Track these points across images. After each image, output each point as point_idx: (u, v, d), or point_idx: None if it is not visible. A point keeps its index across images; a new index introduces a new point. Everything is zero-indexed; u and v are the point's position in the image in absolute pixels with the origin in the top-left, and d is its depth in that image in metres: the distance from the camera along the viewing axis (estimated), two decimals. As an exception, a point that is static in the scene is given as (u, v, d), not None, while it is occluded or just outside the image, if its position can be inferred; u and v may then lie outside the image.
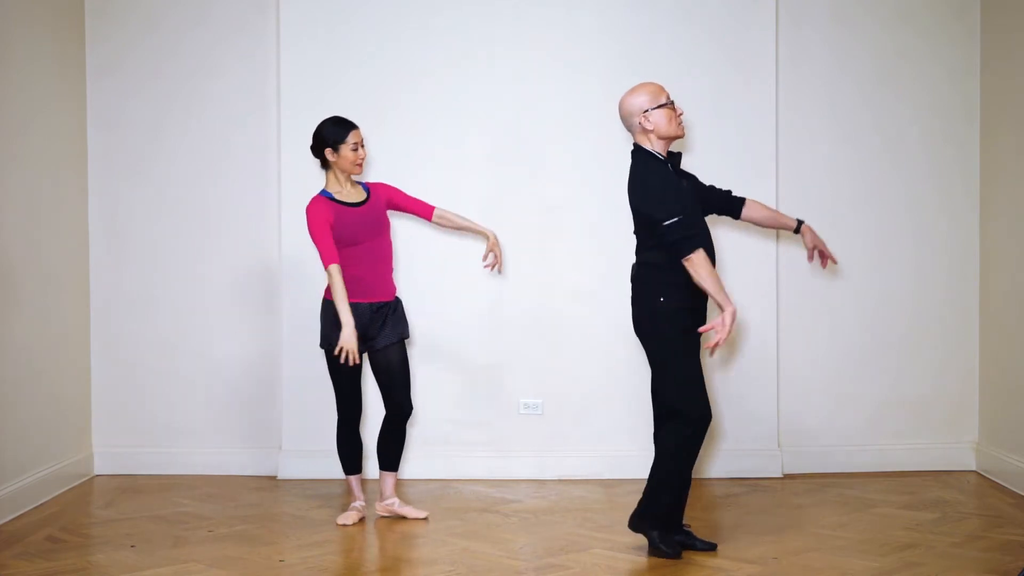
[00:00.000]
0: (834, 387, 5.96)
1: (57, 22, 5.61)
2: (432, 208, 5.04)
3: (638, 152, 4.45)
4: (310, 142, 4.94)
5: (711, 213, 4.65)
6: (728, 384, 5.84)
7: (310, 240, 4.91)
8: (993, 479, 5.74)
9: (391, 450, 5.06)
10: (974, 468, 5.95)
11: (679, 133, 4.45)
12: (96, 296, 5.93)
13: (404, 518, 5.03)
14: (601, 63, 5.83)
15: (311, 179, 5.73)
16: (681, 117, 4.48)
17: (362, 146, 4.89)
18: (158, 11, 5.92)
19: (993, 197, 5.83)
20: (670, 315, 4.38)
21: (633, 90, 4.48)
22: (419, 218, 5.09)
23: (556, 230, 5.88)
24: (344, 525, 4.94)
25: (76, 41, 5.82)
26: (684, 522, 4.58)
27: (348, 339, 4.66)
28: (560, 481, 5.80)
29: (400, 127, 5.77)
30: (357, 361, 4.71)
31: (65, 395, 5.65)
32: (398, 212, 5.09)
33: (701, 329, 4.36)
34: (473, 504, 5.33)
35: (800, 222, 4.72)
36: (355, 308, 4.78)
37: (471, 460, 5.85)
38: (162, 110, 5.93)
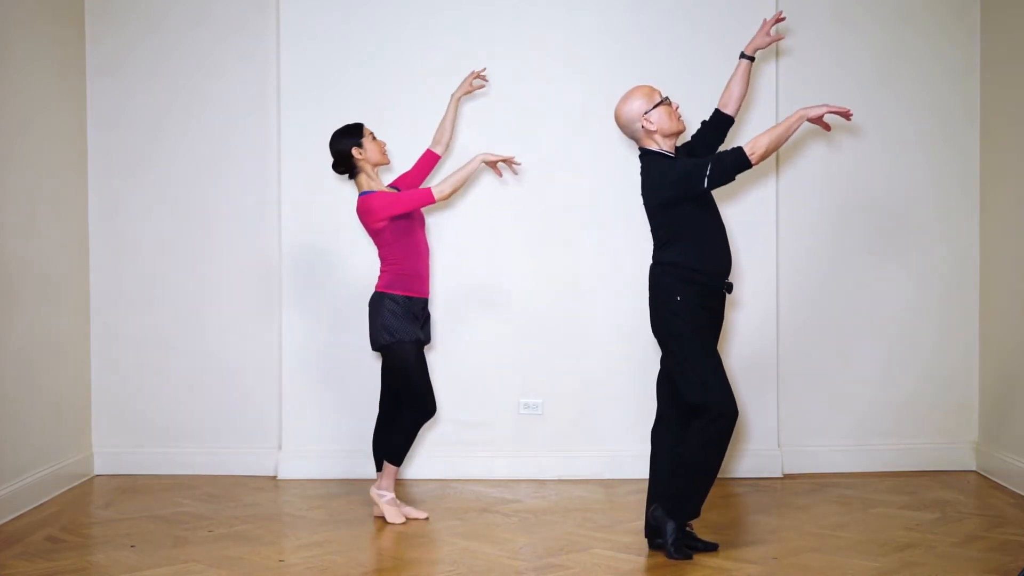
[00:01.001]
0: (834, 387, 5.96)
1: (57, 22, 5.61)
2: (428, 150, 5.21)
3: (647, 154, 4.45)
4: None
5: (716, 147, 4.67)
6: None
7: (368, 234, 4.99)
8: (993, 479, 5.74)
9: (401, 445, 5.04)
10: (974, 468, 5.95)
11: (681, 127, 4.46)
12: (96, 296, 5.93)
13: (406, 518, 5.03)
14: (601, 63, 5.83)
15: (311, 179, 5.75)
16: (679, 111, 4.49)
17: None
18: (158, 11, 5.92)
19: (993, 197, 5.83)
20: (687, 314, 4.38)
21: (626, 97, 4.48)
22: (435, 165, 5.26)
23: (556, 230, 5.88)
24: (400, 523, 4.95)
25: (76, 41, 5.82)
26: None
27: (489, 154, 4.86)
28: (560, 481, 5.80)
29: (400, 127, 5.76)
30: (515, 165, 4.94)
31: (65, 395, 5.65)
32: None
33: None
34: (473, 504, 5.33)
35: (742, 53, 4.68)
36: (416, 301, 4.92)
37: (471, 460, 5.85)
38: (162, 110, 5.93)
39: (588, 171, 5.87)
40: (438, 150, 5.24)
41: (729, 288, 4.48)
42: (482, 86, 5.33)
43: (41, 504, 5.27)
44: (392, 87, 5.82)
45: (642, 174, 4.47)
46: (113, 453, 5.94)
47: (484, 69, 5.36)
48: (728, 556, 4.44)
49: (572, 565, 4.35)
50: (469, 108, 5.83)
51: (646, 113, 4.40)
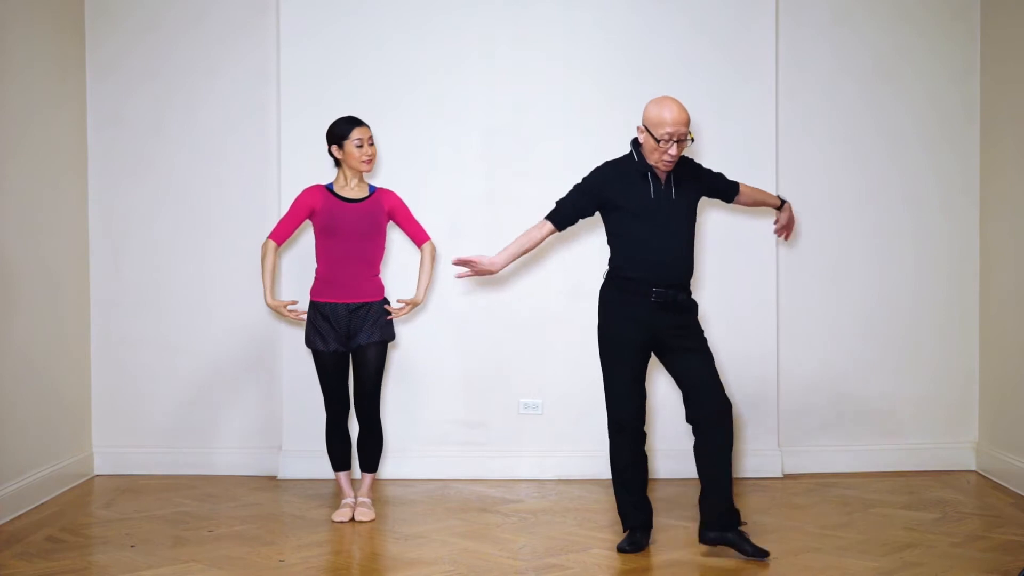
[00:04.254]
0: (834, 387, 5.96)
1: (57, 22, 5.61)
2: (426, 240, 5.08)
3: (632, 147, 4.52)
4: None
5: (714, 197, 4.72)
6: (728, 384, 5.82)
7: (312, 237, 5.00)
8: (993, 479, 5.74)
9: (362, 452, 5.09)
10: (974, 468, 5.95)
11: (657, 167, 4.39)
12: (96, 296, 5.93)
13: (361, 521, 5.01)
14: (601, 63, 5.83)
15: (311, 179, 5.73)
16: (669, 160, 4.33)
17: (369, 144, 4.93)
18: (158, 11, 5.92)
19: (993, 197, 5.83)
20: (602, 318, 4.55)
21: (657, 100, 4.38)
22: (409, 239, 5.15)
23: (556, 230, 5.87)
24: (340, 522, 4.96)
25: (76, 41, 5.82)
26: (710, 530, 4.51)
27: (268, 305, 4.90)
28: (560, 481, 5.80)
29: (400, 127, 5.77)
30: (292, 315, 4.92)
31: (65, 395, 5.65)
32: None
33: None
34: (473, 504, 5.33)
35: (783, 201, 4.82)
36: (331, 307, 4.90)
37: (471, 460, 5.85)
38: (162, 110, 5.93)
39: (588, 170, 5.85)
40: (423, 248, 5.08)
41: (663, 298, 4.40)
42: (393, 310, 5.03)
43: (41, 504, 5.27)
44: (392, 87, 5.82)
45: None
46: (113, 453, 5.94)
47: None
48: (728, 556, 4.44)
49: (572, 565, 4.35)
50: (469, 107, 5.83)
51: (642, 128, 4.37)
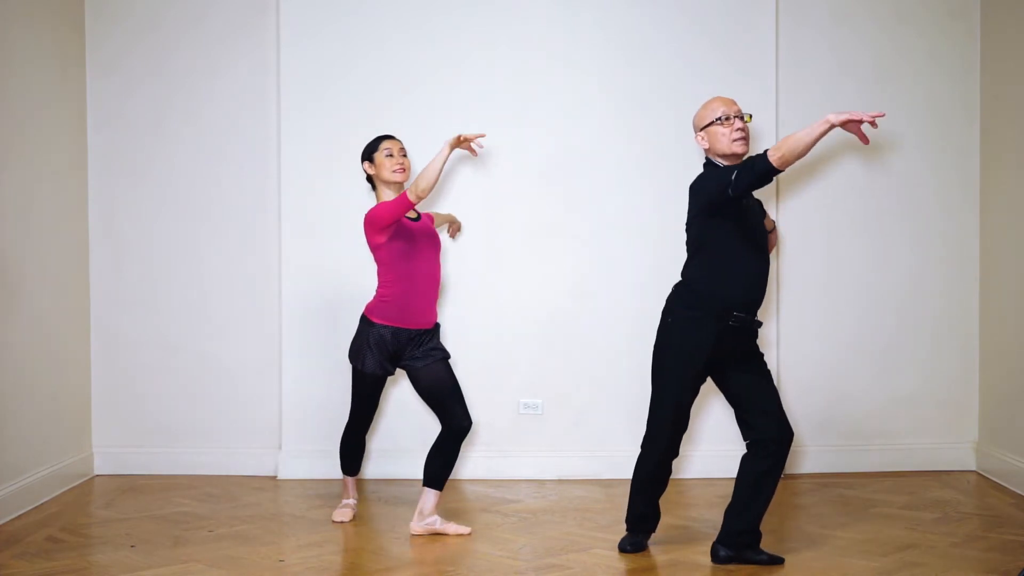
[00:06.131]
0: (834, 387, 5.96)
1: (57, 22, 5.61)
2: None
3: (705, 165, 4.33)
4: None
5: None
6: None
7: (365, 242, 4.78)
8: (993, 479, 5.74)
9: (439, 468, 4.76)
10: (974, 468, 5.96)
11: (734, 151, 4.20)
12: (96, 296, 5.93)
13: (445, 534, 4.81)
14: (601, 64, 5.83)
15: (311, 179, 5.76)
16: (741, 132, 4.20)
17: (400, 154, 4.76)
18: (158, 10, 5.92)
19: (993, 197, 5.83)
20: (670, 336, 4.34)
21: (701, 107, 4.31)
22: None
23: (556, 230, 5.88)
24: (341, 522, 4.96)
25: (76, 41, 5.82)
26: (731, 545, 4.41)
27: (459, 135, 4.49)
28: (560, 481, 5.80)
29: (400, 127, 5.74)
30: (482, 143, 4.50)
31: (65, 395, 5.65)
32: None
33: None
34: (473, 504, 5.33)
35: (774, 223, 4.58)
36: (395, 332, 4.71)
37: (471, 460, 5.85)
38: (162, 110, 5.93)
39: (588, 171, 5.87)
40: (410, 196, 4.57)
41: (742, 323, 4.27)
42: (472, 151, 4.69)
43: (41, 504, 5.27)
44: (392, 87, 5.82)
45: (691, 185, 4.33)
46: (113, 453, 5.94)
47: (481, 137, 4.67)
48: (728, 556, 4.44)
49: (572, 565, 4.35)
50: (469, 107, 5.83)
51: (700, 131, 4.27)
